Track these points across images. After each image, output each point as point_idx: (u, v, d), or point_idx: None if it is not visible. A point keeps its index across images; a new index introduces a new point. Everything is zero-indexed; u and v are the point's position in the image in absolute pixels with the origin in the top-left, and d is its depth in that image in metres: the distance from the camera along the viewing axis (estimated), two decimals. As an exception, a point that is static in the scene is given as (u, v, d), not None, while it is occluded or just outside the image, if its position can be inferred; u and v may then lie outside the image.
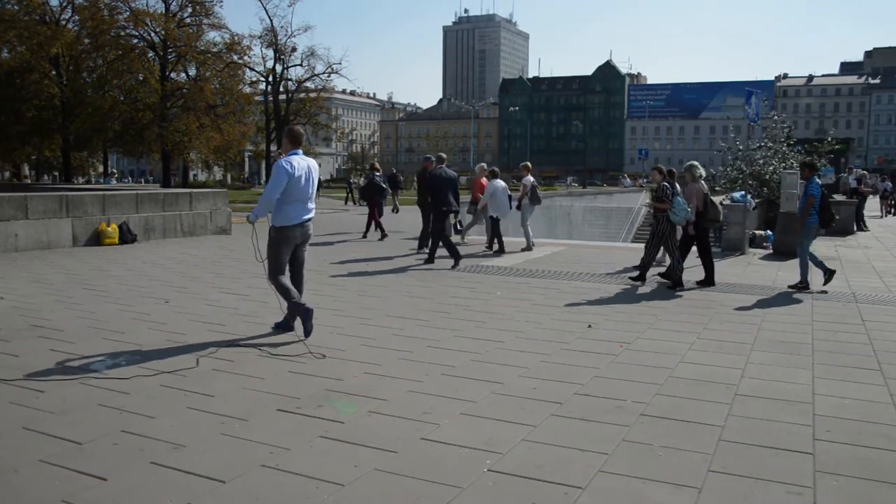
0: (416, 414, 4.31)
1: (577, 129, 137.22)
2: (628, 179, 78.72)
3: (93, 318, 6.98)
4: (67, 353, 5.58)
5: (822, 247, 15.06)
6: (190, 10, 37.11)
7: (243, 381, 4.95)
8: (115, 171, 30.04)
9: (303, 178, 6.13)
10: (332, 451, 3.75)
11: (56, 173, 53.43)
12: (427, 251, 11.97)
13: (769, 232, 14.77)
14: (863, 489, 3.38)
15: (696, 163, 10.31)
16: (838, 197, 22.35)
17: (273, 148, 42.77)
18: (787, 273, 10.93)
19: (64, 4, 35.09)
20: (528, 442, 3.90)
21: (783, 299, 8.58)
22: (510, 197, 13.63)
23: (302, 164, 6.16)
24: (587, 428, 4.12)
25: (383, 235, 15.54)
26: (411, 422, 4.18)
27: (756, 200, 17.34)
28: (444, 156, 12.81)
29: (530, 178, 13.70)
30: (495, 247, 13.29)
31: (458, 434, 3.99)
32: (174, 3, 36.53)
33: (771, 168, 19.51)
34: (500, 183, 13.56)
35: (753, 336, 6.54)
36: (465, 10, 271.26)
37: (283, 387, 4.81)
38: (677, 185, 9.62)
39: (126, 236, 14.02)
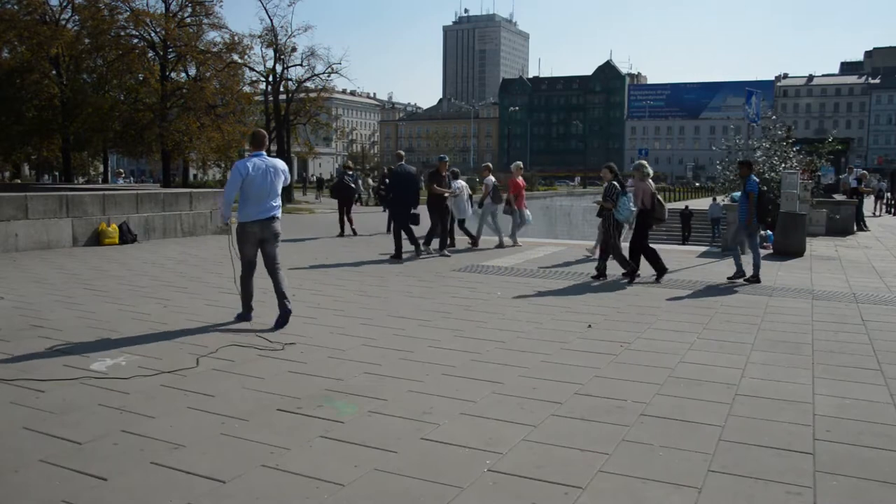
0: (416, 414, 4.31)
1: (577, 129, 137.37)
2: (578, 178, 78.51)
3: (93, 318, 6.98)
4: (67, 354, 5.58)
5: (822, 247, 15.07)
6: (190, 9, 37.08)
7: (243, 381, 4.95)
8: (121, 170, 29.95)
9: (258, 178, 6.53)
10: (332, 451, 3.75)
11: (56, 173, 53.41)
12: (434, 248, 12.61)
13: (769, 232, 14.76)
14: (863, 489, 3.38)
15: (644, 162, 10.63)
16: (838, 197, 22.37)
17: (273, 148, 42.75)
18: (787, 273, 10.93)
19: (64, 4, 35.06)
20: (528, 442, 3.90)
21: (783, 299, 8.58)
22: (471, 197, 14.73)
23: (260, 164, 6.59)
24: (587, 428, 4.12)
25: (353, 233, 16.26)
26: (411, 422, 4.18)
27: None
28: (402, 153, 13.70)
29: (491, 179, 14.50)
30: (471, 242, 14.18)
31: (458, 434, 3.99)
32: (174, 3, 36.51)
33: (768, 167, 19.52)
34: (461, 183, 14.38)
35: (753, 336, 6.54)
36: (465, 10, 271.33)
37: (283, 387, 4.81)
38: (627, 183, 10.28)
39: (126, 236, 14.03)
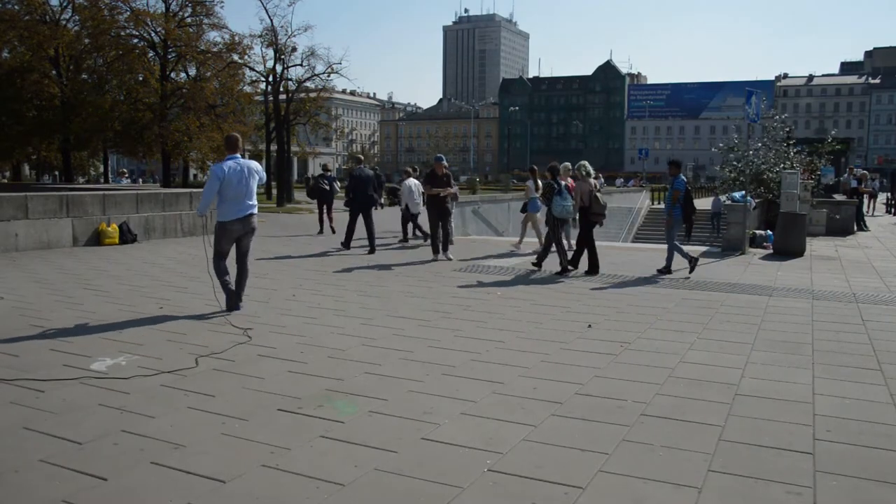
0: (417, 414, 4.31)
1: (577, 129, 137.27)
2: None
3: (93, 318, 6.98)
4: (67, 353, 5.58)
5: (822, 246, 15.07)
6: (190, 9, 37.08)
7: (243, 381, 4.95)
8: (125, 170, 29.86)
9: (234, 180, 6.99)
10: (332, 451, 3.75)
11: (56, 173, 53.40)
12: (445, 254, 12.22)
13: (769, 232, 14.76)
14: (863, 489, 3.38)
15: (585, 162, 11.43)
16: (838, 197, 22.37)
17: (273, 148, 42.74)
18: (787, 273, 10.94)
19: (64, 4, 35.05)
20: (528, 442, 3.90)
21: (783, 299, 8.58)
22: (423, 195, 14.91)
23: (235, 167, 7.02)
24: (587, 428, 4.12)
25: (332, 230, 16.73)
26: (411, 422, 4.18)
27: (756, 200, 17.35)
28: (361, 157, 15.31)
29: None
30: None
31: (459, 434, 3.99)
32: (174, 3, 36.51)
33: (765, 167, 19.53)
34: (413, 181, 15.25)
35: (753, 336, 6.54)
36: (466, 10, 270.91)
37: (283, 387, 4.81)
38: (563, 182, 11.01)
39: (126, 236, 14.03)
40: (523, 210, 14.54)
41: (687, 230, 13.23)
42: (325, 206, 17.24)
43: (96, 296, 8.24)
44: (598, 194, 10.84)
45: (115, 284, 9.10)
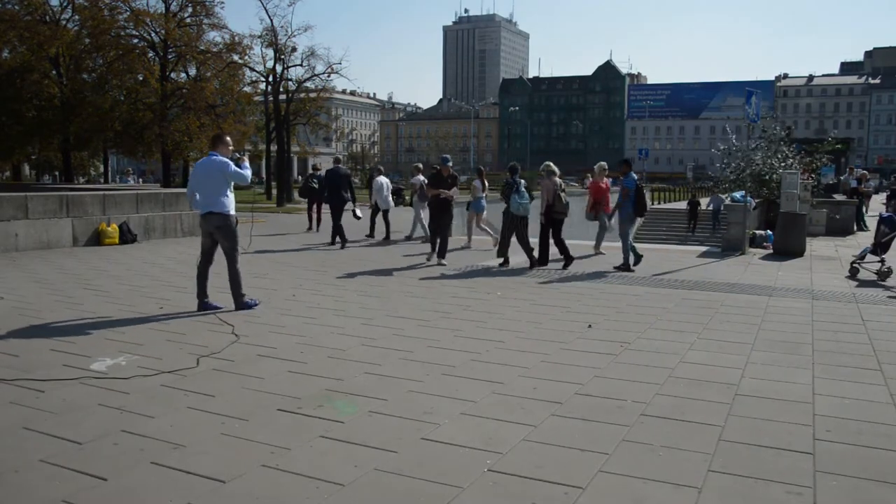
0: (417, 414, 4.31)
1: (578, 129, 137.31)
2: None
3: (93, 318, 6.98)
4: (67, 353, 5.58)
5: (822, 247, 15.07)
6: (190, 10, 37.08)
7: (243, 381, 4.95)
8: (130, 169, 29.45)
9: (198, 176, 7.40)
10: (332, 451, 3.75)
11: (56, 173, 53.39)
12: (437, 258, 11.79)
13: (769, 232, 14.76)
14: (863, 489, 3.38)
15: (550, 163, 11.98)
16: (838, 197, 22.37)
17: (273, 148, 42.74)
18: (787, 273, 10.93)
19: (64, 4, 35.05)
20: (528, 442, 3.90)
21: (783, 299, 8.58)
22: (395, 193, 16.32)
23: (203, 163, 7.46)
24: (587, 428, 4.12)
25: (317, 229, 17.48)
26: (411, 422, 4.18)
27: (756, 200, 17.36)
28: (340, 157, 16.19)
29: (420, 178, 15.73)
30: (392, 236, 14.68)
31: (459, 434, 3.99)
32: (174, 3, 36.51)
33: (761, 166, 19.53)
34: (384, 179, 16.06)
35: (753, 336, 6.53)
36: (466, 10, 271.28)
37: (283, 387, 4.81)
38: (522, 182, 11.43)
39: (126, 236, 14.03)
40: (467, 209, 15.04)
41: (692, 227, 13.32)
42: (315, 205, 17.95)
43: (96, 296, 8.24)
44: (561, 193, 11.38)
45: (115, 284, 9.10)
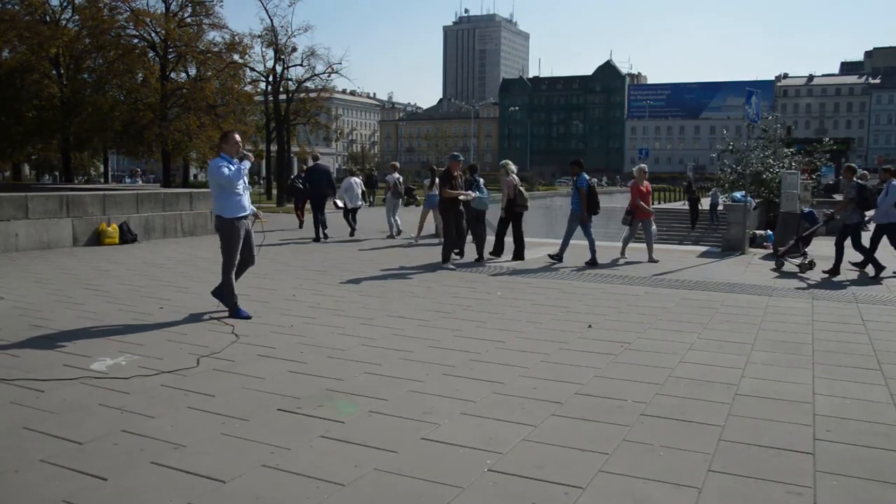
0: (417, 414, 4.31)
1: (578, 129, 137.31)
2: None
3: (93, 318, 6.98)
4: (67, 353, 5.59)
5: (822, 246, 15.06)
6: (190, 9, 37.08)
7: (243, 381, 4.95)
8: (138, 168, 29.41)
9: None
10: (332, 451, 3.75)
11: (56, 173, 53.42)
12: (456, 258, 11.70)
13: (769, 232, 14.76)
14: (863, 489, 3.38)
15: (508, 161, 12.77)
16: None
17: (273, 148, 42.74)
18: (787, 273, 10.93)
19: (64, 4, 35.06)
20: (529, 442, 3.90)
21: (783, 299, 8.58)
22: (364, 192, 17.60)
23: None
24: (587, 428, 4.12)
25: (300, 226, 18.38)
26: (411, 422, 4.18)
27: (756, 200, 17.36)
28: (318, 155, 17.35)
29: (396, 175, 17.26)
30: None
31: (459, 434, 3.99)
32: (174, 3, 36.50)
33: (756, 165, 19.55)
34: (355, 179, 17.17)
35: (753, 336, 6.53)
36: (466, 10, 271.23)
37: (283, 387, 4.81)
38: (480, 180, 12.67)
39: (126, 236, 14.03)
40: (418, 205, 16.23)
41: (692, 221, 13.36)
42: (300, 204, 18.93)
43: (96, 296, 8.24)
44: (521, 189, 12.28)
45: (115, 284, 9.10)
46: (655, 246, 12.78)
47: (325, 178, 15.41)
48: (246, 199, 7.13)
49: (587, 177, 11.94)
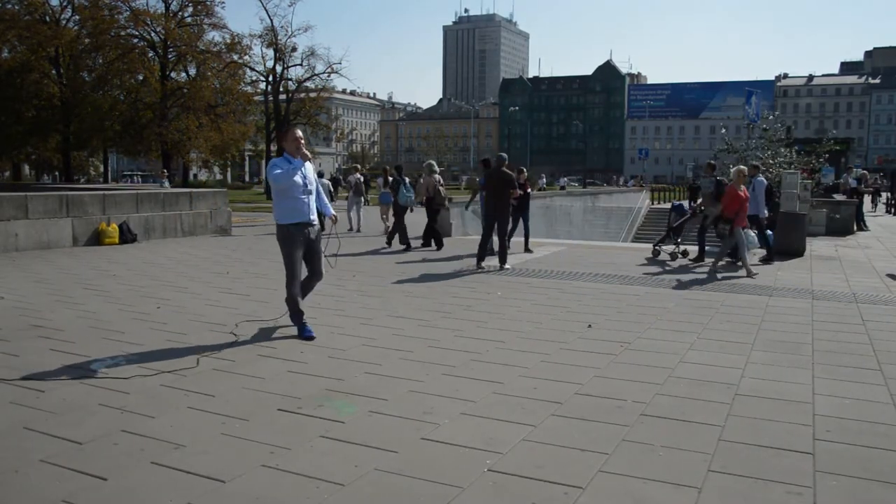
0: (417, 414, 4.30)
1: (578, 129, 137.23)
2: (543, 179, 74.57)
3: (93, 318, 6.98)
4: (67, 353, 5.58)
5: (822, 246, 15.07)
6: (190, 9, 37.11)
7: (243, 381, 4.95)
8: (165, 171, 28.93)
9: None
10: (332, 451, 3.75)
11: (56, 173, 53.43)
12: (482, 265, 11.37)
13: (769, 232, 14.75)
14: (863, 489, 3.38)
15: (433, 162, 14.56)
16: (838, 197, 22.37)
17: (273, 148, 42.76)
18: (787, 273, 10.93)
19: (64, 4, 35.08)
20: (528, 442, 3.90)
21: (783, 299, 8.58)
22: (332, 192, 19.61)
23: None
24: (587, 428, 4.12)
25: None
26: (411, 422, 4.18)
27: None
28: (309, 155, 18.50)
29: (357, 175, 19.25)
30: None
31: (459, 434, 3.99)
32: (174, 3, 36.54)
33: (762, 167, 19.54)
34: (324, 179, 18.35)
35: (753, 336, 6.53)
36: (466, 10, 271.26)
37: (283, 387, 4.81)
38: (406, 179, 14.31)
39: (126, 236, 14.03)
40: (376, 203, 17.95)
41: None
42: None
43: (96, 296, 8.24)
44: (440, 188, 13.91)
45: (114, 284, 9.09)
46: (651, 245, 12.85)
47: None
48: (307, 204, 6.22)
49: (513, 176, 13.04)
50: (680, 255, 12.40)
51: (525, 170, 13.87)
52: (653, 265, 11.75)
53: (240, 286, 9.10)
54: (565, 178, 73.47)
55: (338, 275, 9.51)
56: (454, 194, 26.47)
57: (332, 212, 6.67)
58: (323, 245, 6.55)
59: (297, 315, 6.29)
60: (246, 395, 4.65)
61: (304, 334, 6.19)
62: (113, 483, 3.32)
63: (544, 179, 70.68)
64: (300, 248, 6.22)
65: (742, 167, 11.78)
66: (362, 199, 18.77)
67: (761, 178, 12.53)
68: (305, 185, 6.19)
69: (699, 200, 13.01)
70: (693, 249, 12.59)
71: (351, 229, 17.72)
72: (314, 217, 6.31)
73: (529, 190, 13.35)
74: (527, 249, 13.43)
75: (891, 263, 12.68)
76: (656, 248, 12.81)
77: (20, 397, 4.51)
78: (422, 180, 14.68)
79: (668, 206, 33.16)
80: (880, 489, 3.38)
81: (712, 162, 12.92)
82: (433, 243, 13.93)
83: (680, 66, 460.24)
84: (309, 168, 6.32)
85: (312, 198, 6.30)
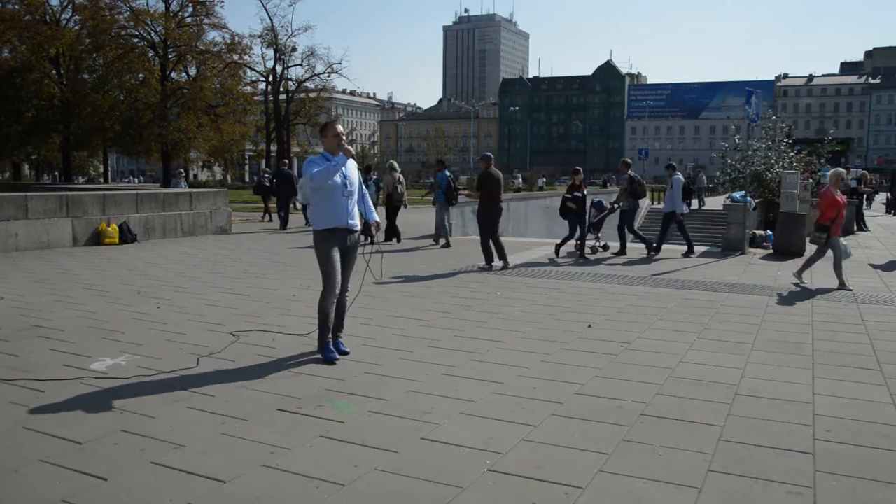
0: (416, 414, 4.31)
1: (578, 129, 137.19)
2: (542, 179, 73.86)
3: (93, 318, 6.98)
4: (67, 353, 5.58)
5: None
6: (190, 9, 37.11)
7: (243, 381, 4.95)
8: (181, 170, 28.70)
9: None
10: (332, 451, 3.75)
11: (56, 173, 53.46)
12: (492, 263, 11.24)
13: (769, 232, 14.75)
14: (863, 489, 3.38)
15: (394, 161, 15.83)
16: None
17: (273, 148, 42.75)
18: (787, 273, 10.92)
19: (64, 4, 35.09)
20: (528, 442, 3.90)
21: (783, 299, 8.58)
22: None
23: None
24: (587, 428, 4.12)
25: (269, 219, 21.41)
26: (411, 422, 4.18)
27: (756, 200, 17.35)
28: (287, 161, 23.03)
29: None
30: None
31: (458, 434, 3.99)
32: (174, 3, 36.54)
33: (764, 167, 19.54)
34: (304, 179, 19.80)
35: (753, 336, 6.53)
36: (466, 10, 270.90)
37: (283, 387, 4.81)
38: (372, 176, 16.72)
39: (126, 236, 14.03)
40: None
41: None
42: (266, 201, 22.13)
43: (96, 296, 8.24)
44: (398, 185, 15.16)
45: (115, 284, 9.09)
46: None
47: (288, 182, 19.09)
48: (346, 208, 5.50)
49: (448, 174, 15.04)
50: (601, 249, 13.25)
51: (581, 170, 13.41)
52: (569, 256, 12.74)
53: (239, 286, 9.10)
54: (543, 178, 70.41)
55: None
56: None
57: (376, 217, 5.90)
58: (366, 257, 5.87)
59: (325, 332, 5.56)
60: (246, 395, 4.65)
61: (326, 356, 5.47)
62: (113, 483, 3.32)
63: (543, 180, 70.50)
64: (338, 255, 5.56)
65: (840, 170, 11.06)
66: None
67: (678, 175, 13.31)
68: (346, 185, 5.48)
69: (616, 197, 13.69)
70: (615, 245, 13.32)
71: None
72: (354, 221, 5.57)
73: (585, 192, 12.81)
74: (581, 256, 12.58)
75: (892, 264, 12.67)
76: (578, 242, 13.20)
77: (20, 397, 4.51)
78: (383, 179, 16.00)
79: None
80: (880, 489, 3.38)
81: (627, 160, 13.72)
82: (394, 239, 14.85)
83: (680, 66, 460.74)
84: (352, 166, 5.61)
85: (354, 200, 5.58)
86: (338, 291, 5.59)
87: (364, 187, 5.82)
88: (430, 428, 4.08)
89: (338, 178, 5.43)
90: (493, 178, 11.17)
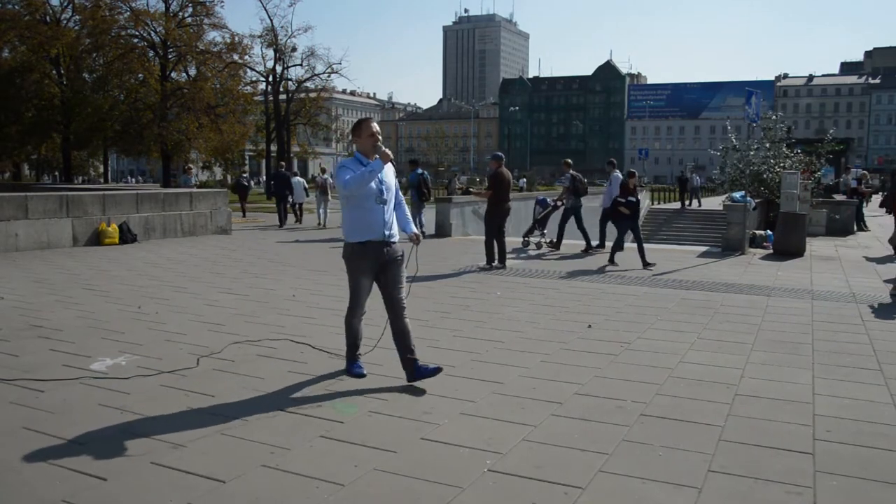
0: (416, 414, 4.30)
1: (577, 129, 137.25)
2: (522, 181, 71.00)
3: (93, 318, 6.98)
4: (67, 353, 5.58)
5: (822, 246, 15.08)
6: (190, 9, 37.11)
7: (243, 381, 4.95)
8: (191, 166, 28.38)
9: None
10: (332, 451, 3.75)
11: (56, 173, 53.46)
12: (493, 263, 11.11)
13: (769, 232, 14.76)
14: (863, 489, 3.38)
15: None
16: (838, 197, 22.37)
17: (273, 148, 42.74)
18: (786, 273, 10.93)
19: (64, 4, 35.09)
20: (528, 442, 3.90)
21: (783, 299, 8.58)
22: (306, 189, 22.30)
23: None
24: (587, 428, 4.12)
25: (244, 216, 22.86)
26: (411, 422, 4.18)
27: (756, 200, 17.37)
28: (283, 164, 25.45)
29: (325, 176, 21.28)
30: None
31: (458, 434, 3.99)
32: (174, 3, 36.53)
33: (765, 167, 19.54)
34: (300, 179, 22.00)
35: (753, 336, 6.53)
36: (466, 10, 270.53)
37: (284, 387, 4.81)
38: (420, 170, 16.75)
39: (126, 236, 14.03)
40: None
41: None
42: (243, 200, 24.08)
43: (96, 296, 8.24)
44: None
45: (115, 284, 9.09)
46: (652, 246, 12.80)
47: (285, 183, 20.72)
48: (383, 218, 4.85)
49: (420, 171, 16.41)
50: (546, 244, 13.94)
51: (636, 172, 12.54)
52: (520, 251, 13.46)
53: (239, 286, 9.10)
54: (524, 180, 67.57)
55: (337, 273, 9.48)
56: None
57: (415, 228, 5.19)
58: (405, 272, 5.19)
59: (352, 349, 5.21)
60: (246, 395, 4.65)
61: (353, 370, 5.12)
62: (113, 483, 3.32)
63: (524, 181, 69.95)
64: (370, 272, 4.95)
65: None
66: (328, 197, 20.61)
67: (617, 173, 13.89)
68: (382, 193, 4.83)
69: (559, 194, 14.50)
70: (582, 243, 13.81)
71: (320, 224, 19.79)
72: (391, 232, 4.92)
73: (640, 196, 12.47)
74: (645, 265, 11.21)
75: (892, 264, 12.68)
76: (525, 238, 14.04)
77: (20, 397, 4.51)
78: None
79: (669, 206, 33.14)
80: (880, 489, 3.38)
81: (568, 161, 14.60)
82: None
83: (680, 66, 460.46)
84: (389, 171, 4.92)
85: (391, 208, 4.93)
86: (364, 310, 5.13)
87: (401, 194, 5.15)
88: (430, 428, 4.08)
89: (372, 184, 4.78)
90: (504, 178, 11.14)
